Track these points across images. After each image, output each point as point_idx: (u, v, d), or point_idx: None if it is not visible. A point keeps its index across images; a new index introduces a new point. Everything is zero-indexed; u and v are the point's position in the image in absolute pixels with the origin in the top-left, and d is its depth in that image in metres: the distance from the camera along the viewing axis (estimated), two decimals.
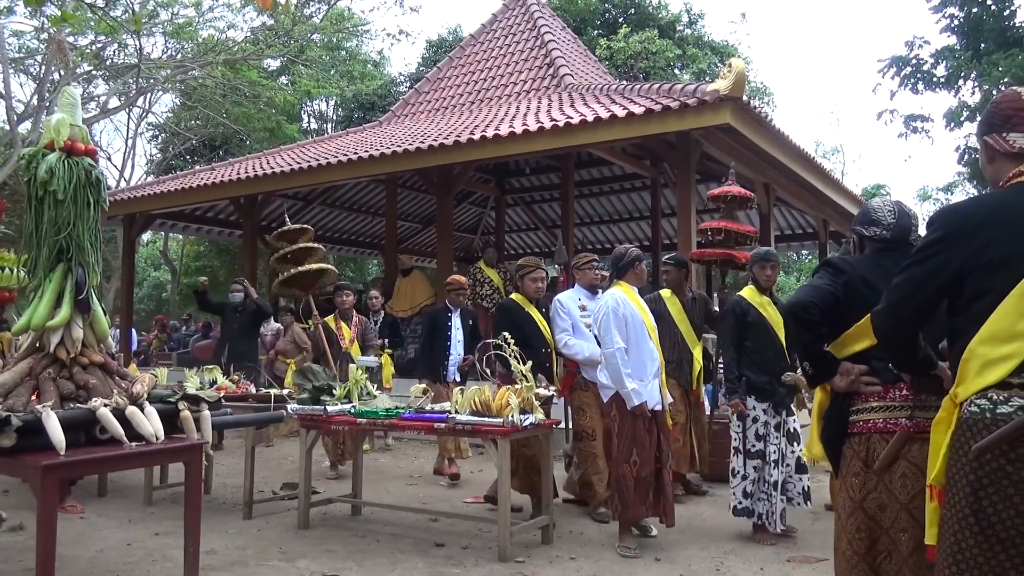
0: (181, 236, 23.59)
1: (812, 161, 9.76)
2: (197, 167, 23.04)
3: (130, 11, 17.40)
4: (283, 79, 24.95)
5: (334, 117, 26.39)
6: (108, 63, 20.15)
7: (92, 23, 17.18)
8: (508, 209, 15.11)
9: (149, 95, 22.84)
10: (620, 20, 21.73)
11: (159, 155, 25.62)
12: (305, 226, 7.20)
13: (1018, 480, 1.71)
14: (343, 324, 6.91)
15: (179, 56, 20.74)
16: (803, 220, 13.67)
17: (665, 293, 5.81)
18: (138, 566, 4.03)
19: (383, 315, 8.02)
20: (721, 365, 6.14)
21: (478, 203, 15.27)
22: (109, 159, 26.01)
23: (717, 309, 6.19)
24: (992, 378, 1.79)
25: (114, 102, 21.77)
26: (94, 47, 19.43)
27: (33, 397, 2.93)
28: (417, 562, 4.14)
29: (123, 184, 24.37)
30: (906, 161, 51.27)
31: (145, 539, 4.56)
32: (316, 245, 7.01)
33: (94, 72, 20.08)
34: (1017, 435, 1.72)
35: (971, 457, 1.78)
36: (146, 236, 25.22)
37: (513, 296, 5.49)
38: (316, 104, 26.54)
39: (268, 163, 11.15)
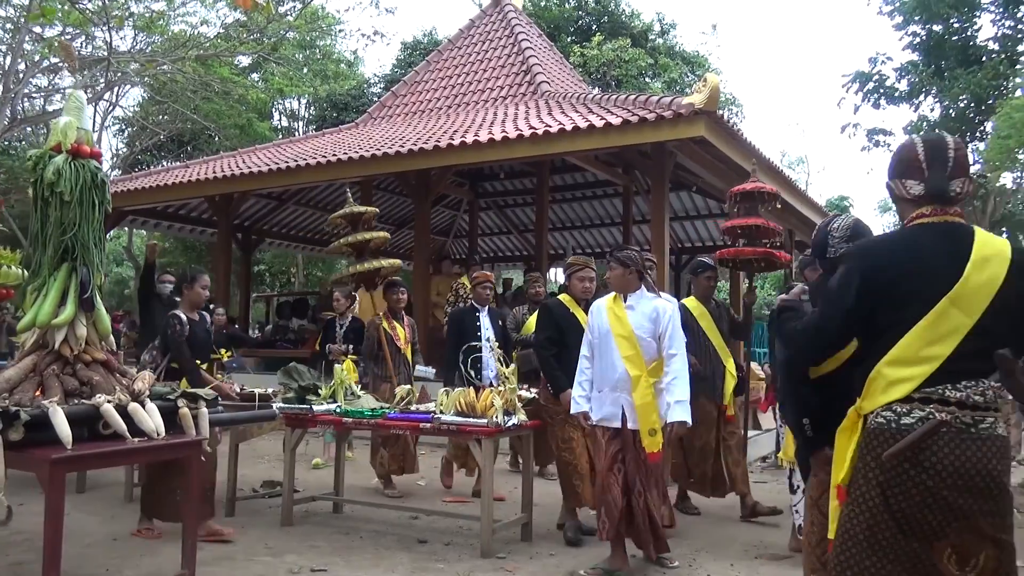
0: (144, 232, 23.35)
1: (780, 173, 10.06)
2: (167, 163, 22.83)
3: (101, 3, 17.23)
4: (255, 76, 24.82)
5: (306, 116, 26.31)
6: (76, 55, 19.89)
7: (59, 15, 16.98)
8: (481, 212, 15.25)
9: (117, 88, 22.57)
10: (594, 28, 22.01)
11: (125, 149, 25.28)
12: (370, 208, 6.53)
13: (919, 482, 1.97)
14: (396, 324, 6.34)
15: (149, 50, 20.54)
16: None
17: (690, 302, 5.43)
18: (127, 560, 4.09)
19: (350, 319, 7.56)
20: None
21: (451, 206, 15.39)
22: None
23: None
24: (897, 395, 2.05)
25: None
26: (62, 39, 19.18)
27: (37, 393, 3.00)
28: (402, 558, 4.26)
29: None
30: (868, 174, 52.54)
31: (130, 534, 4.61)
32: (382, 234, 6.44)
33: (60, 64, 19.81)
34: (921, 442, 1.98)
35: (883, 461, 2.04)
36: (110, 232, 24.93)
37: (560, 296, 5.02)
38: (288, 102, 26.44)
39: (244, 162, 11.16)
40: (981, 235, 2.13)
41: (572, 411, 4.21)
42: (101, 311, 3.30)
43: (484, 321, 6.17)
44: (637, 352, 4.00)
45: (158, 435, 3.08)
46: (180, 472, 4.02)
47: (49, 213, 3.14)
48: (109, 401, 3.00)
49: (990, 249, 2.09)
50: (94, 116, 24.35)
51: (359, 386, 5.40)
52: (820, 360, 2.49)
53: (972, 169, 2.28)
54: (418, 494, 5.99)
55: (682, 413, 3.95)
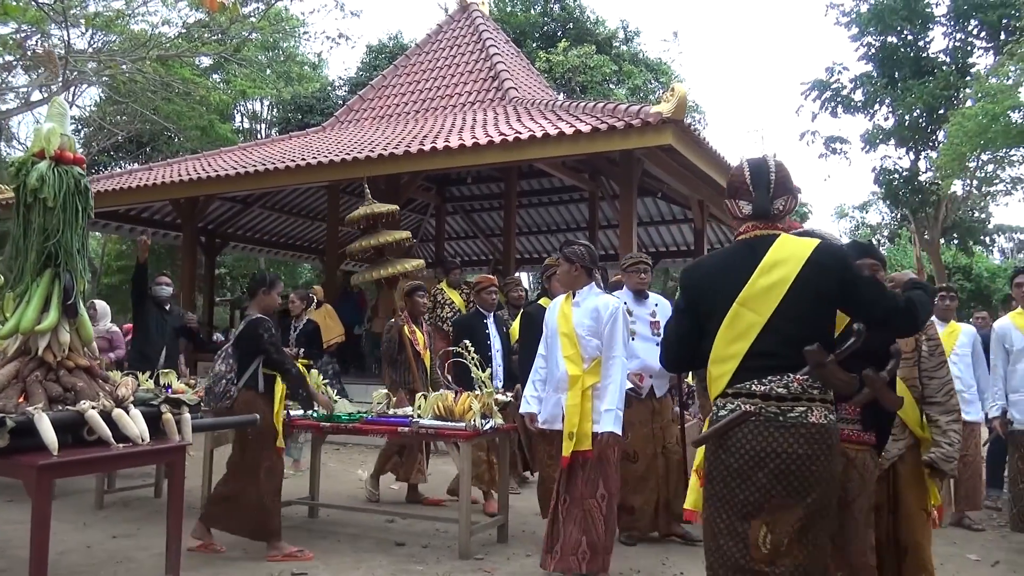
0: (99, 235, 22.91)
1: None
2: (126, 164, 22.42)
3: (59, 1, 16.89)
4: (216, 77, 24.50)
5: (268, 118, 26.07)
6: (30, 53, 19.46)
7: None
8: (448, 216, 15.31)
9: (74, 88, 22.11)
10: (559, 34, 22.21)
11: (82, 150, 24.76)
12: (391, 206, 6.26)
13: (726, 464, 2.29)
14: (416, 328, 6.03)
15: (107, 49, 20.17)
16: (733, 235, 14.29)
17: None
18: (103, 567, 4.07)
19: (304, 321, 7.40)
20: None
21: (418, 210, 15.41)
22: None
23: None
24: (717, 390, 2.37)
25: (36, 95, 21.02)
26: (16, 37, 18.74)
27: (21, 399, 2.99)
28: (381, 560, 4.31)
29: None
30: (826, 180, 53.74)
31: (104, 541, 4.58)
32: (405, 233, 6.18)
33: (13, 62, 19.36)
34: (727, 430, 2.29)
35: (692, 447, 2.61)
36: None
37: (541, 300, 5.10)
38: (250, 104, 26.16)
39: (210, 165, 11.05)
40: (780, 242, 2.38)
41: (520, 411, 4.18)
42: (84, 317, 3.29)
43: (492, 328, 5.91)
44: (576, 351, 3.88)
45: (142, 440, 3.09)
46: (251, 482, 4.20)
47: (32, 219, 3.12)
48: (94, 407, 3.00)
49: (784, 253, 2.34)
50: None
51: (335, 391, 5.42)
52: (683, 367, 2.95)
53: (794, 186, 2.49)
54: (394, 498, 6.02)
55: (610, 423, 3.75)
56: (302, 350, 7.09)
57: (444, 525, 5.00)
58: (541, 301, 4.96)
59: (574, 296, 4.03)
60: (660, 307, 4.91)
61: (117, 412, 3.06)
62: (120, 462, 3.36)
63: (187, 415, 3.36)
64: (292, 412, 4.85)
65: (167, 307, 7.11)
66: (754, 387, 2.28)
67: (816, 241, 2.37)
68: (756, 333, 2.30)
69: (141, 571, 3.99)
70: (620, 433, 3.80)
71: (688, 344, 2.50)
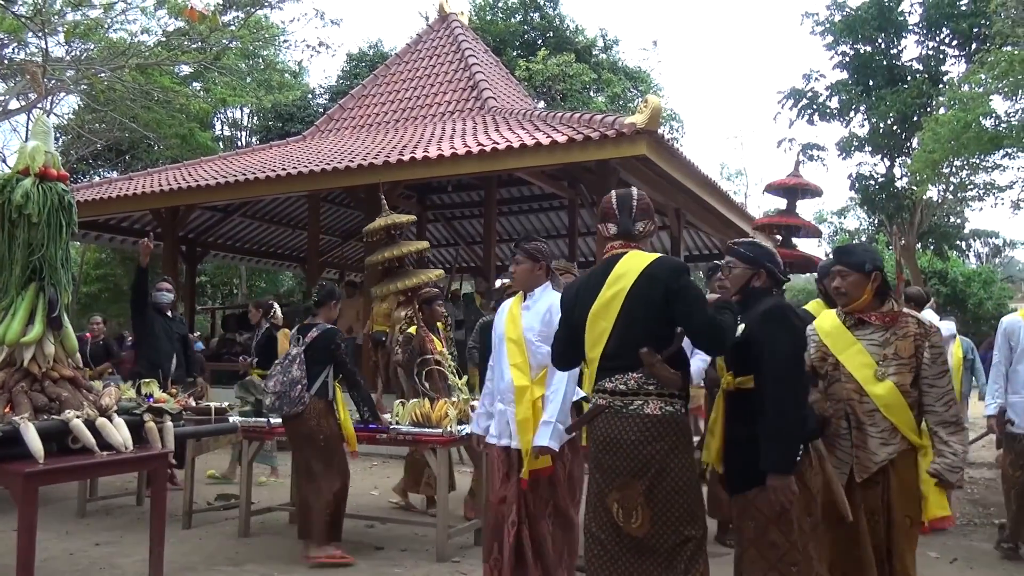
0: (78, 243, 22.80)
1: (718, 188, 10.49)
2: (104, 173, 22.35)
3: (35, 8, 16.84)
4: (196, 85, 24.47)
5: (249, 126, 26.07)
6: (7, 61, 19.38)
7: None
8: (429, 224, 15.41)
9: (52, 96, 21.99)
10: (539, 43, 22.40)
11: (60, 158, 24.63)
12: (408, 216, 6.19)
13: (591, 447, 2.76)
14: (434, 337, 5.87)
15: (85, 57, 20.10)
16: (709, 241, 14.51)
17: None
18: (87, 573, 4.16)
19: (264, 328, 7.40)
20: None
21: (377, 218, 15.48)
22: (4, 160, 24.92)
23: None
24: (588, 389, 2.84)
25: (14, 103, 20.92)
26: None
27: (7, 409, 3.08)
28: (360, 564, 4.41)
29: None
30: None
31: (87, 548, 4.66)
32: (423, 244, 6.17)
33: None
34: (588, 422, 2.77)
35: (567, 433, 3.32)
36: None
37: None
38: (230, 112, 26.14)
39: (191, 174, 11.11)
40: (626, 257, 2.77)
41: (471, 430, 3.91)
42: (68, 329, 3.39)
43: None
44: (525, 359, 3.55)
45: (126, 448, 3.18)
46: (324, 487, 4.37)
47: (17, 234, 3.22)
48: (78, 416, 3.10)
49: (624, 268, 2.73)
50: (27, 124, 23.76)
51: None
52: (567, 366, 3.17)
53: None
54: (371, 504, 6.12)
55: (544, 436, 3.36)
56: (256, 359, 7.10)
57: (423, 529, 5.11)
58: None
59: (525, 298, 3.71)
60: None
61: (101, 421, 3.16)
62: (104, 469, 3.44)
63: (169, 423, 3.46)
64: (272, 420, 4.94)
65: (169, 313, 6.89)
66: (607, 384, 2.71)
67: (655, 256, 2.74)
68: (606, 338, 2.71)
69: (128, 572, 4.07)
70: (556, 448, 3.37)
71: (566, 346, 2.93)
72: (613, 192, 2.93)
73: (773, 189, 5.60)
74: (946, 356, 3.09)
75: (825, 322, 3.23)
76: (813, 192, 5.63)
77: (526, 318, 3.63)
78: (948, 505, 3.14)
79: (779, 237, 5.41)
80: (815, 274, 4.49)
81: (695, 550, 2.64)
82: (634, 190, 2.92)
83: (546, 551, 3.47)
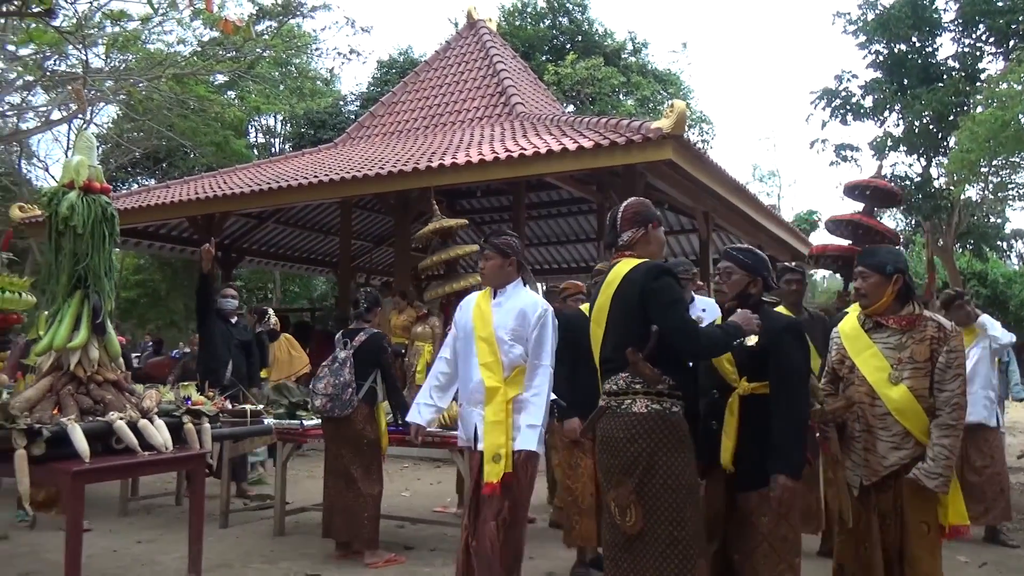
0: (118, 251, 23.31)
1: (746, 192, 10.47)
2: (143, 180, 22.85)
3: (76, 22, 17.31)
4: (231, 93, 24.93)
5: (283, 133, 26.48)
6: (49, 73, 19.92)
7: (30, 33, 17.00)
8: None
9: (92, 106, 22.54)
10: (567, 47, 22.48)
11: (100, 167, 25.20)
12: (460, 220, 6.29)
13: (596, 447, 2.90)
14: None
15: (123, 68, 20.59)
16: (745, 245, 14.45)
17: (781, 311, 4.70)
18: (129, 570, 4.32)
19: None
20: None
21: (428, 223, 15.66)
22: (47, 170, 25.62)
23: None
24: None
25: (56, 114, 21.49)
26: (36, 58, 19.19)
27: (55, 411, 3.24)
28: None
29: None
30: (837, 188, 53.70)
31: (129, 546, 4.83)
32: (474, 247, 6.16)
33: (33, 82, 19.80)
34: (593, 423, 2.87)
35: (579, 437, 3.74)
36: None
37: (581, 306, 4.55)
38: (264, 120, 26.59)
39: (226, 182, 11.37)
40: (617, 266, 2.92)
41: (407, 418, 3.78)
42: (111, 335, 3.55)
43: None
44: (496, 358, 3.38)
45: (166, 448, 3.32)
46: (366, 490, 4.55)
47: (63, 245, 3.39)
48: (121, 418, 3.24)
49: (614, 275, 2.89)
50: (68, 133, 24.38)
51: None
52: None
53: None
54: (402, 505, 6.23)
55: (531, 440, 3.29)
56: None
57: (452, 530, 5.20)
58: (583, 306, 4.44)
59: (495, 295, 3.53)
60: (708, 310, 4.84)
61: (143, 422, 3.30)
62: (146, 468, 3.60)
63: (207, 425, 3.60)
64: (305, 422, 5.08)
65: (233, 320, 6.87)
66: (607, 386, 2.86)
67: (639, 261, 2.87)
68: (601, 343, 2.91)
69: (166, 572, 4.23)
70: (541, 453, 3.35)
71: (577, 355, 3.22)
72: (616, 208, 3.08)
73: (849, 189, 5.27)
74: (963, 361, 3.04)
75: (846, 324, 3.24)
76: (893, 197, 5.37)
77: (497, 315, 3.45)
78: (966, 513, 3.08)
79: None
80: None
81: (683, 558, 2.64)
82: (632, 200, 3.06)
83: (486, 557, 3.26)
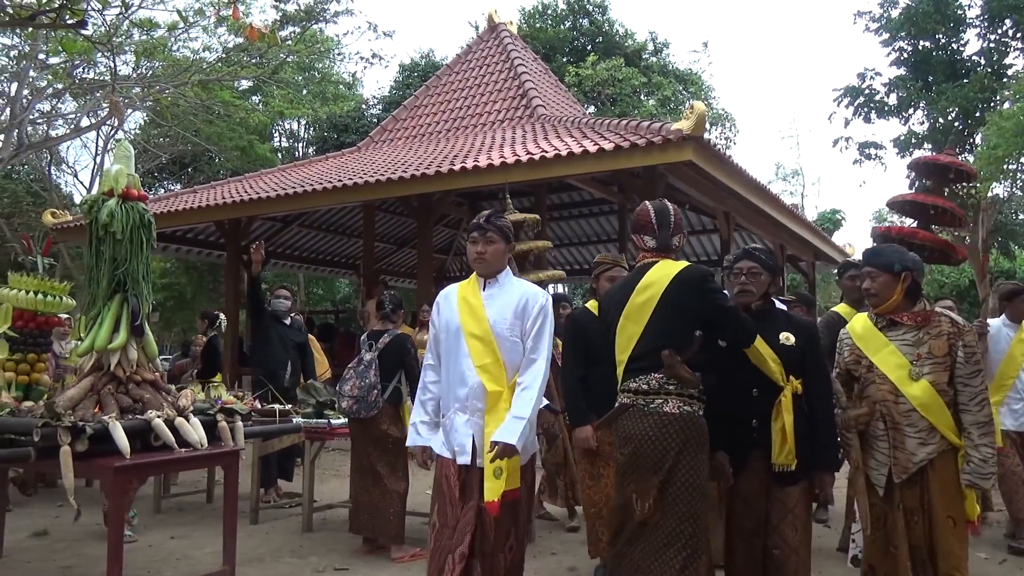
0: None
1: (768, 192, 10.48)
2: (169, 185, 23.21)
3: (104, 30, 17.66)
4: (255, 99, 25.24)
5: (306, 137, 26.77)
6: (78, 81, 20.31)
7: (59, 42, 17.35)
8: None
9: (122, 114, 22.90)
10: (588, 48, 22.52)
11: (137, 175, 25.61)
12: (531, 215, 6.26)
13: (613, 442, 3.03)
14: (557, 340, 5.19)
15: (150, 75, 20.95)
16: (762, 245, 14.44)
17: (842, 310, 4.63)
18: (165, 563, 4.47)
19: (210, 338, 7.69)
20: None
21: (451, 225, 15.80)
22: (76, 176, 26.14)
23: None
24: (620, 388, 2.98)
25: (85, 121, 21.90)
26: (65, 66, 19.58)
27: (96, 409, 3.38)
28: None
29: None
30: (861, 186, 53.22)
31: (164, 542, 4.99)
32: (545, 243, 6.21)
33: (62, 90, 20.19)
34: (613, 418, 2.96)
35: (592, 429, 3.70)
36: None
37: (588, 304, 4.29)
38: (288, 124, 26.89)
39: (252, 187, 11.56)
40: (656, 266, 2.98)
41: (408, 443, 3.18)
42: (149, 337, 3.69)
43: None
44: (497, 359, 2.93)
45: (201, 445, 3.46)
46: (392, 488, 4.68)
47: (103, 250, 3.53)
48: (159, 416, 3.38)
49: (655, 276, 2.93)
50: (96, 140, 24.83)
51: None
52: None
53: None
54: (425, 503, 6.33)
55: (513, 433, 2.79)
56: (199, 368, 7.27)
57: None
58: (589, 304, 4.27)
59: (484, 286, 3.07)
60: None
61: (179, 420, 3.44)
62: (182, 464, 3.74)
63: (239, 423, 3.73)
64: (333, 421, 5.21)
65: (287, 321, 6.83)
66: (632, 384, 2.91)
67: (685, 264, 2.95)
68: (635, 341, 2.92)
69: (200, 566, 4.37)
70: (519, 449, 2.81)
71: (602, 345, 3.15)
72: (649, 205, 3.11)
73: (919, 167, 4.92)
74: (980, 357, 3.09)
75: (857, 325, 3.28)
76: (967, 174, 4.93)
77: (492, 309, 2.99)
78: (977, 509, 3.13)
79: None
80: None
81: (693, 553, 2.75)
82: (671, 205, 3.11)
83: None
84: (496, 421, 2.85)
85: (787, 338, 3.08)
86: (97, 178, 25.28)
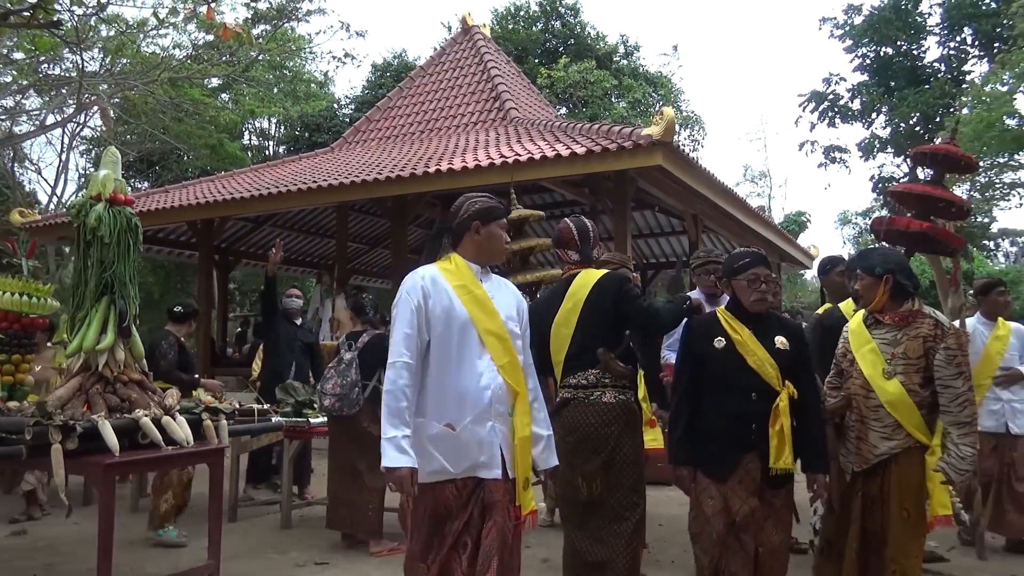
0: None
1: (735, 195, 10.75)
2: (141, 184, 22.97)
3: (72, 26, 17.43)
4: (225, 96, 25.07)
5: (277, 136, 26.64)
6: (43, 76, 20.02)
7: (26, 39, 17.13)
8: None
9: (87, 110, 22.63)
10: (560, 50, 22.74)
11: (93, 169, 25.28)
12: (535, 212, 6.57)
13: (559, 432, 3.14)
14: None
15: (118, 71, 20.71)
16: (729, 246, 14.73)
17: (846, 307, 4.34)
18: (148, 559, 4.56)
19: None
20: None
21: (424, 225, 15.86)
22: (40, 173, 25.76)
23: None
24: (560, 385, 3.45)
25: (50, 118, 21.59)
26: (30, 62, 19.30)
27: (85, 408, 3.47)
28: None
29: (55, 200, 24.16)
30: (826, 189, 54.26)
31: (144, 539, 5.06)
32: (546, 241, 6.32)
33: (26, 84, 19.89)
34: (557, 411, 3.32)
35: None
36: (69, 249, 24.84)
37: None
38: (259, 123, 26.74)
39: (224, 187, 11.57)
40: (580, 276, 3.43)
41: (392, 464, 2.48)
42: (136, 338, 3.78)
43: None
44: (514, 358, 2.66)
45: (188, 444, 3.55)
46: (372, 484, 4.80)
47: (91, 253, 3.62)
48: (146, 415, 3.47)
49: (580, 283, 3.39)
50: (63, 137, 24.47)
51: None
52: (541, 371, 3.52)
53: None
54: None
55: (553, 454, 2.81)
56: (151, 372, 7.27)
57: None
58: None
59: (479, 277, 2.75)
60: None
61: (166, 419, 3.53)
62: (169, 462, 3.84)
63: (224, 421, 3.83)
64: (312, 420, 5.31)
65: (298, 321, 6.93)
66: (571, 380, 3.36)
67: (603, 272, 3.41)
68: (568, 343, 3.36)
69: (182, 562, 4.45)
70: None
71: (538, 352, 3.31)
72: (571, 224, 3.57)
73: (920, 157, 4.60)
74: (964, 359, 3.15)
75: (854, 321, 3.47)
76: (968, 165, 4.64)
77: (498, 303, 2.72)
78: (950, 504, 3.24)
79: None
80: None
81: (640, 518, 3.34)
82: (588, 222, 3.58)
83: None
84: (524, 425, 2.62)
85: (782, 342, 3.11)
86: (63, 176, 24.94)
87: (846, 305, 4.26)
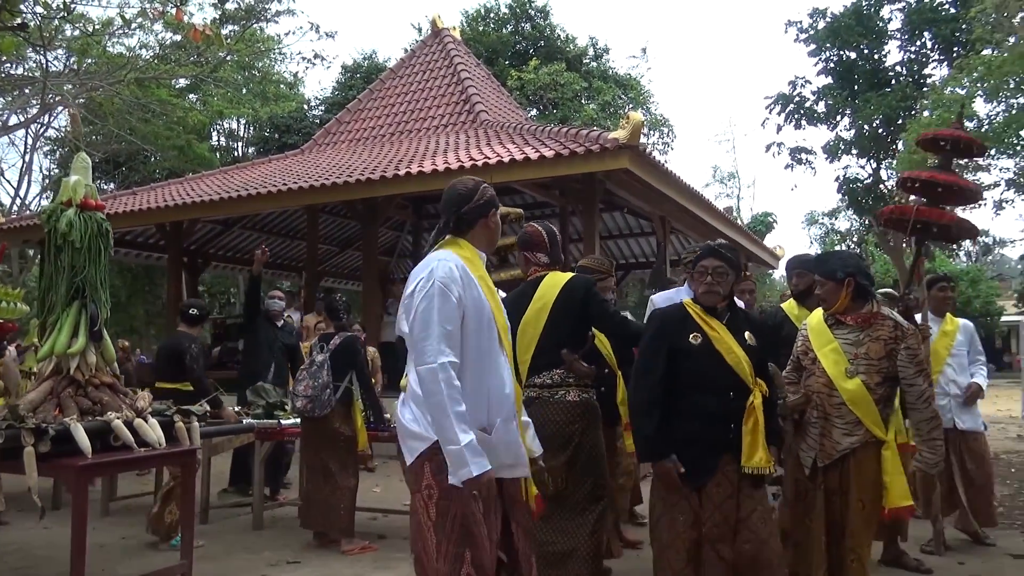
0: None
1: (701, 197, 10.94)
2: (107, 185, 22.69)
3: (36, 25, 17.18)
4: (193, 97, 24.83)
5: (245, 137, 26.45)
6: (5, 76, 19.69)
7: None
8: (424, 233, 15.82)
9: (51, 110, 22.31)
10: (530, 52, 22.86)
11: (58, 171, 24.95)
12: (515, 209, 6.60)
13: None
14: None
15: (83, 70, 20.43)
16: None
17: (788, 307, 4.37)
18: (119, 562, 4.58)
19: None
20: None
21: (395, 227, 15.92)
22: (2, 174, 25.32)
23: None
24: (527, 384, 3.51)
25: (13, 119, 21.24)
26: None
27: (57, 412, 3.50)
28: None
29: (18, 202, 23.80)
30: (792, 190, 55.13)
31: (115, 541, 5.08)
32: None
33: None
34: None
35: None
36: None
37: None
38: (227, 123, 26.52)
39: (193, 189, 11.52)
40: (547, 278, 3.56)
41: (473, 473, 2.25)
42: (107, 342, 3.81)
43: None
44: (509, 353, 2.62)
45: (160, 445, 3.60)
46: (343, 484, 4.89)
47: (62, 258, 3.65)
48: (118, 417, 3.51)
49: (547, 286, 3.52)
50: (26, 138, 24.08)
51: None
52: None
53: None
54: (373, 499, 6.52)
55: (538, 441, 2.80)
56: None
57: None
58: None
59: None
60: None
61: (138, 421, 3.58)
62: (142, 463, 3.87)
63: (195, 424, 3.88)
64: (283, 421, 5.37)
65: (279, 323, 6.90)
66: (536, 380, 3.48)
67: (570, 275, 3.56)
68: (535, 343, 3.48)
69: (153, 564, 4.48)
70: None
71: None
72: (541, 228, 3.73)
73: (926, 143, 4.46)
74: (923, 357, 3.34)
75: (814, 319, 3.59)
76: (978, 149, 4.54)
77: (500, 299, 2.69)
78: (910, 495, 3.37)
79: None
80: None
81: (603, 510, 3.46)
82: (554, 227, 3.78)
83: None
84: (522, 425, 2.61)
85: (750, 338, 3.09)
86: (26, 177, 24.55)
87: (788, 305, 4.33)
